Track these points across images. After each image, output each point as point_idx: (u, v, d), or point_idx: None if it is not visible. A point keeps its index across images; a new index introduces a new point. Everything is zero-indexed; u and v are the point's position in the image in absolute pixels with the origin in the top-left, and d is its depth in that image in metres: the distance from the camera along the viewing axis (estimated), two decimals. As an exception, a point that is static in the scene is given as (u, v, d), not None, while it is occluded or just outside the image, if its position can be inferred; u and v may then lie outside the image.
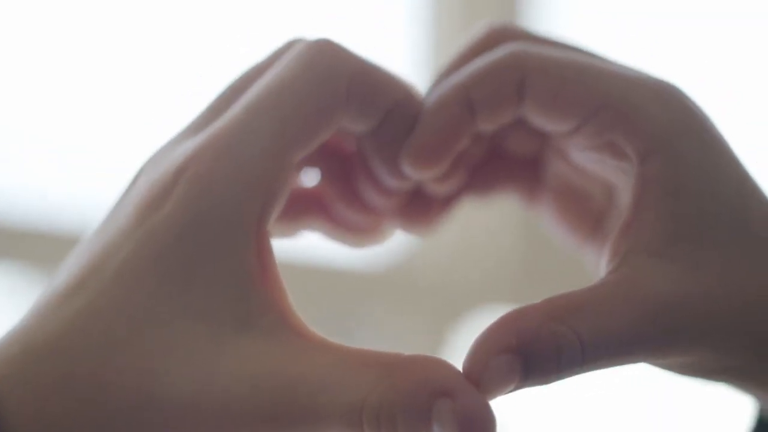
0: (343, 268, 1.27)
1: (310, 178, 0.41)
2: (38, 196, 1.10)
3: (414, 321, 1.31)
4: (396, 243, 1.26)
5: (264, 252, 0.34)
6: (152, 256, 0.33)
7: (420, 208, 0.41)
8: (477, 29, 0.40)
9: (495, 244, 1.34)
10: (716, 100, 0.69)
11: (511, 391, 0.33)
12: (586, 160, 0.40)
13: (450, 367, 0.32)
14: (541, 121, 0.37)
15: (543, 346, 0.33)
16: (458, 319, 1.31)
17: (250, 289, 0.33)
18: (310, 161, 0.39)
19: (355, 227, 0.41)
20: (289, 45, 0.37)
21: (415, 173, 0.38)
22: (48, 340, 0.33)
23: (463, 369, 0.33)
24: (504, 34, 0.38)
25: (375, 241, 0.42)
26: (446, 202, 0.42)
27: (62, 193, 1.11)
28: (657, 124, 0.35)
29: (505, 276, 1.34)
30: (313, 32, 0.37)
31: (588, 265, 0.43)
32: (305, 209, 0.41)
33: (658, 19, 1.33)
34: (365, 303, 1.30)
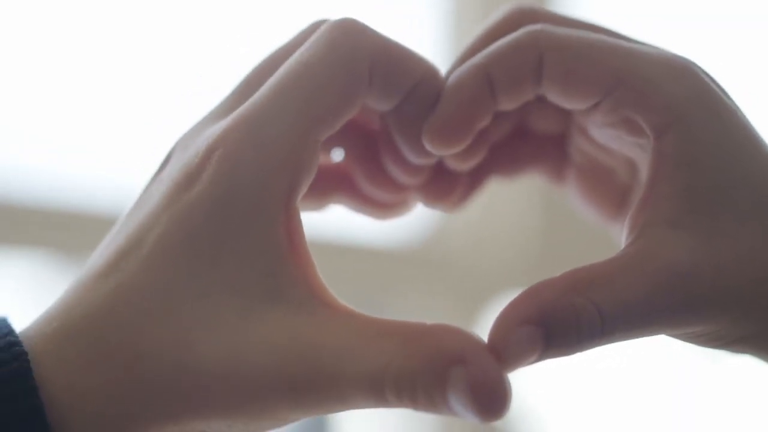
0: (368, 246, 1.27)
1: (336, 154, 0.42)
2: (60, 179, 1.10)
3: (440, 302, 1.32)
4: (423, 223, 1.27)
5: (293, 227, 0.35)
6: (184, 234, 0.34)
7: (445, 185, 0.42)
8: (498, 11, 0.40)
9: (520, 228, 1.34)
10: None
11: (533, 363, 0.34)
12: (606, 137, 0.40)
13: (468, 336, 0.33)
14: (559, 98, 0.38)
15: (563, 318, 0.33)
16: (485, 303, 1.31)
17: (279, 263, 0.34)
18: (335, 139, 0.40)
19: (380, 202, 0.42)
20: (314, 26, 0.38)
21: (436, 150, 0.38)
22: (86, 316, 0.34)
23: (488, 341, 0.33)
24: (525, 16, 0.39)
25: (399, 214, 0.43)
26: (473, 181, 0.43)
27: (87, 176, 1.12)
28: (672, 100, 0.36)
29: (530, 261, 1.34)
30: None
31: (616, 240, 0.43)
32: (332, 184, 0.42)
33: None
34: (390, 282, 1.31)
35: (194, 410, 0.33)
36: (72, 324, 0.34)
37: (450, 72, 0.39)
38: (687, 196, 0.36)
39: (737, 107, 0.37)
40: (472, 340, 0.33)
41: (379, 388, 0.32)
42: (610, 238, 0.45)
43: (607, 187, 0.43)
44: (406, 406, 0.33)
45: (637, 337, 0.36)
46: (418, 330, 0.33)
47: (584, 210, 0.44)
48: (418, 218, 1.27)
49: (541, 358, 0.34)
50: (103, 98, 1.13)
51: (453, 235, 1.32)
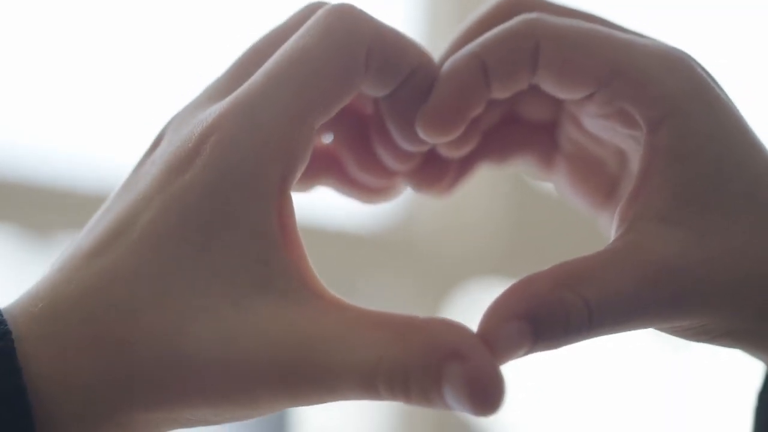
0: (336, 229, 1.27)
1: (325, 137, 0.42)
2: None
3: (407, 287, 1.32)
4: (392, 208, 1.27)
5: (286, 215, 0.35)
6: (176, 219, 0.33)
7: (435, 171, 0.42)
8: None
9: (489, 216, 1.34)
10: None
11: (522, 356, 0.34)
12: (599, 128, 0.40)
13: (463, 330, 0.33)
14: (553, 88, 0.37)
15: (552, 312, 0.34)
16: (452, 289, 1.31)
17: (271, 251, 0.34)
18: (326, 122, 0.40)
19: (368, 186, 0.42)
20: (310, 9, 0.37)
21: (429, 138, 0.38)
22: (72, 299, 0.33)
23: (477, 335, 0.33)
24: (520, 4, 0.39)
25: (386, 199, 0.43)
26: (462, 167, 0.43)
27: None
28: (667, 93, 0.36)
29: (498, 249, 1.34)
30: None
31: (601, 230, 0.44)
32: (320, 167, 0.42)
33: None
34: (356, 266, 1.31)
35: (182, 398, 0.33)
36: (59, 304, 0.33)
37: (444, 59, 0.39)
38: (679, 190, 0.36)
39: (731, 101, 0.38)
40: (468, 334, 0.33)
41: (371, 381, 0.32)
42: (578, 226, 0.45)
43: (596, 177, 0.43)
44: (398, 399, 0.33)
45: (625, 331, 0.36)
46: (411, 323, 0.33)
47: (571, 198, 0.44)
48: (388, 203, 1.27)
49: (529, 352, 0.34)
50: (73, 72, 1.12)
51: (421, 221, 1.33)
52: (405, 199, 1.25)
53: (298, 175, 0.35)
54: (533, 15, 0.37)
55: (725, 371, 1.23)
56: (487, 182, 1.30)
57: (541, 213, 1.31)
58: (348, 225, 1.28)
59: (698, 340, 0.38)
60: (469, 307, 1.28)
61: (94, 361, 0.32)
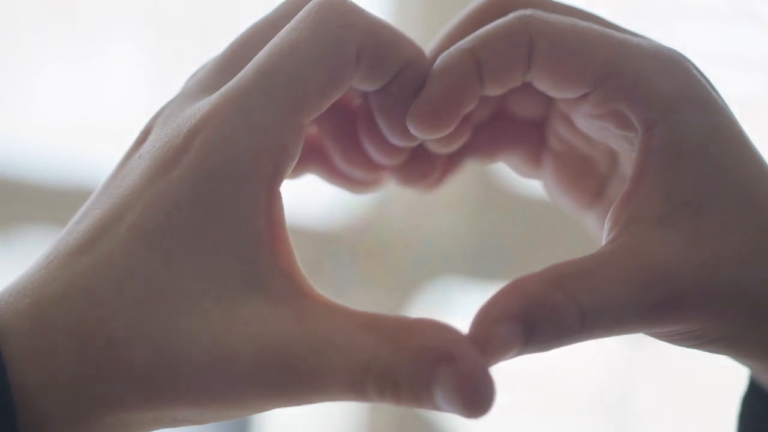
0: (300, 226, 1.27)
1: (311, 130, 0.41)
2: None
3: (372, 285, 1.32)
4: (357, 205, 1.27)
5: (274, 214, 0.34)
6: (164, 217, 0.33)
7: (422, 166, 0.42)
8: None
9: (455, 215, 1.34)
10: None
11: (512, 358, 0.34)
12: (591, 128, 0.40)
13: (453, 332, 0.33)
14: (547, 87, 0.37)
15: (543, 314, 0.33)
16: (418, 288, 1.31)
17: (259, 250, 0.33)
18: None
19: (354, 178, 0.42)
20: (298, 1, 0.36)
21: (420, 134, 0.38)
22: (58, 296, 0.33)
23: (468, 336, 0.33)
24: (514, 0, 0.39)
25: (372, 190, 0.43)
26: (449, 163, 0.43)
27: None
28: (662, 95, 0.36)
29: (464, 248, 1.34)
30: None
31: (589, 230, 0.43)
32: (306, 156, 0.41)
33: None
34: (322, 264, 1.31)
35: (168, 397, 0.32)
36: (45, 301, 0.33)
37: (436, 54, 0.38)
38: (672, 193, 0.35)
39: (725, 103, 0.37)
40: (458, 336, 0.32)
41: (361, 384, 0.32)
42: (544, 227, 0.45)
43: (584, 177, 0.43)
44: (387, 401, 0.32)
45: (617, 335, 0.35)
46: (401, 324, 0.33)
47: (558, 197, 0.44)
48: (353, 200, 1.27)
49: (519, 353, 0.34)
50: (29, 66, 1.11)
51: (387, 218, 1.32)
52: (370, 197, 1.25)
53: (289, 172, 0.35)
54: (528, 12, 0.37)
55: (708, 376, 1.24)
56: (453, 182, 1.30)
57: (506, 214, 1.31)
58: (313, 222, 1.27)
59: (687, 346, 0.37)
60: (434, 306, 1.28)
61: (80, 359, 0.32)
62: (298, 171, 0.42)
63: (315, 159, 0.42)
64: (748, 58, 0.61)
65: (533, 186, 0.56)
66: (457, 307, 1.26)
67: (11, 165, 1.08)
